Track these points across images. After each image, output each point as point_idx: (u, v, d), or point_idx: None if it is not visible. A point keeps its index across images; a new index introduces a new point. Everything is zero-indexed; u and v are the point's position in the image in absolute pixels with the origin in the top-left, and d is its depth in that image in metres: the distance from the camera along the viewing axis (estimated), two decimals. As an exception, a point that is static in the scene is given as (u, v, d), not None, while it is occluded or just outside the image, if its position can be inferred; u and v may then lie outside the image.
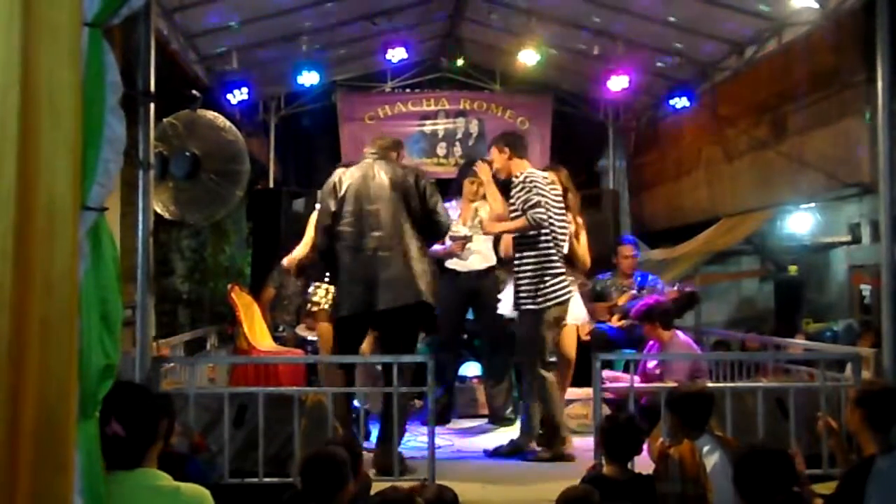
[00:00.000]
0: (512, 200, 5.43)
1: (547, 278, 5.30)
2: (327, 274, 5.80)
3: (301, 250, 6.49)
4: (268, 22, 7.34)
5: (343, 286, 5.16)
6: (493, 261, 6.63)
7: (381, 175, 5.16)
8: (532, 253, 5.33)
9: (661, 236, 9.99)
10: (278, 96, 9.56)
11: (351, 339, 5.28)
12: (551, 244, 5.35)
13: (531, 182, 5.32)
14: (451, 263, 6.58)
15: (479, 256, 6.57)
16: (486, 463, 5.44)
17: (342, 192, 5.15)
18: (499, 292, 6.92)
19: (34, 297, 2.11)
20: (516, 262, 5.43)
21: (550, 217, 5.32)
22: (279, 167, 9.99)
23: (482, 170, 5.94)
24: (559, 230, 5.41)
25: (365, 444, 4.72)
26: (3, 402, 2.04)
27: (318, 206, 5.40)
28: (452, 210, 6.63)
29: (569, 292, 5.42)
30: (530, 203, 5.26)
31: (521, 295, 5.36)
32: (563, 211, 5.52)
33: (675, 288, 7.27)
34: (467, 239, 6.45)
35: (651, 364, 5.94)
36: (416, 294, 5.05)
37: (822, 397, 4.64)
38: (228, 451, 4.46)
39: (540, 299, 5.30)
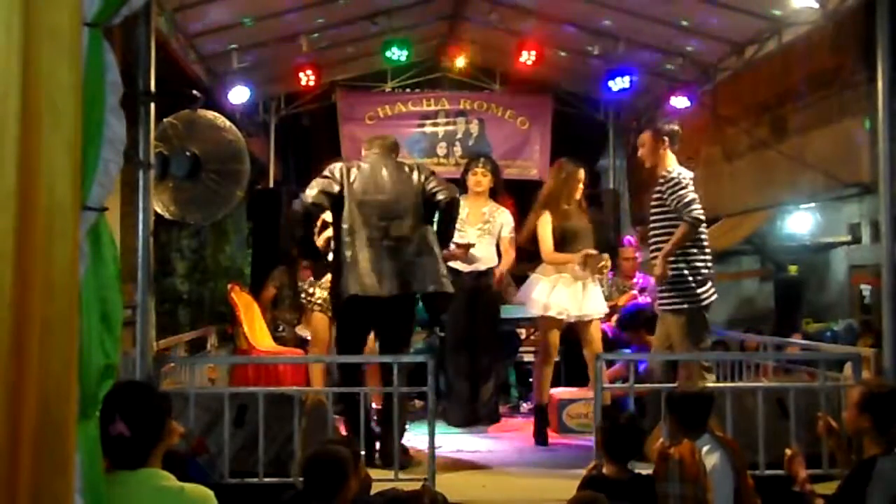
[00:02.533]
0: (661, 197, 5.25)
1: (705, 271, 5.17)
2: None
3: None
4: (268, 22, 7.34)
5: (360, 271, 5.09)
6: (494, 261, 6.67)
7: (391, 168, 5.28)
8: (695, 250, 5.14)
9: (661, 236, 9.98)
10: (278, 96, 9.56)
11: (360, 325, 5.29)
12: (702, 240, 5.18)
13: (685, 178, 5.16)
14: (453, 263, 6.61)
15: (482, 261, 6.60)
16: (486, 463, 5.44)
17: (351, 179, 5.19)
18: (500, 292, 6.95)
19: (34, 297, 2.11)
20: (680, 259, 5.15)
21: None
22: (279, 167, 9.99)
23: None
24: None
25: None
26: (3, 402, 2.04)
27: (313, 188, 5.24)
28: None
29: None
30: (686, 200, 5.06)
31: (688, 292, 5.15)
32: None
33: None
34: (470, 246, 6.49)
35: (641, 368, 5.93)
36: (442, 283, 5.16)
37: (822, 397, 4.64)
38: (228, 451, 4.46)
39: (703, 296, 5.16)
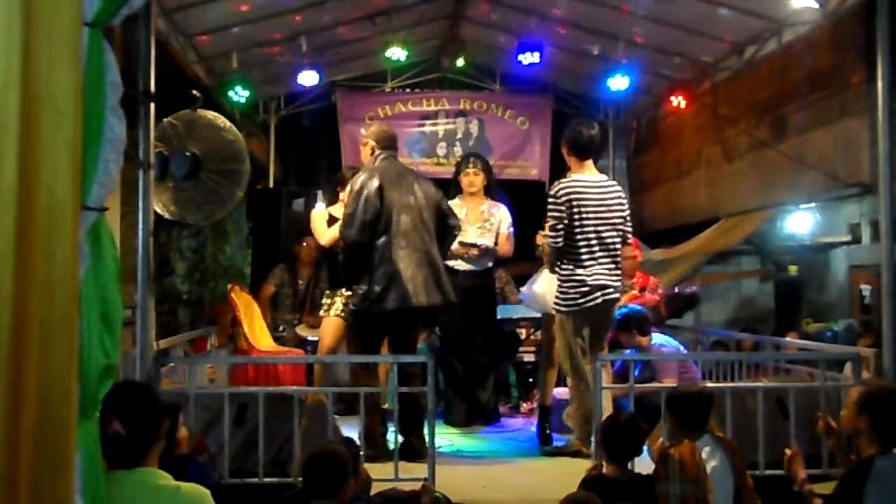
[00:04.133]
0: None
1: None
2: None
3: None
4: (268, 22, 7.34)
5: (395, 280, 5.14)
6: (491, 262, 6.69)
7: (411, 178, 5.43)
8: (568, 263, 5.26)
9: (661, 236, 9.99)
10: (278, 96, 9.56)
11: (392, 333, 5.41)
12: (582, 249, 5.23)
13: (560, 198, 5.19)
14: (451, 262, 6.60)
15: (483, 258, 6.63)
16: (486, 463, 5.44)
17: (385, 192, 5.20)
18: (497, 291, 6.96)
19: (34, 297, 2.11)
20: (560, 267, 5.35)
21: (583, 227, 5.19)
22: (279, 167, 9.99)
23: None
24: (603, 232, 5.26)
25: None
26: (3, 402, 2.04)
27: (351, 199, 5.22)
28: (457, 208, 6.67)
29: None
30: (549, 224, 5.24)
31: (560, 297, 5.34)
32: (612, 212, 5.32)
33: (676, 290, 7.23)
34: (476, 246, 6.50)
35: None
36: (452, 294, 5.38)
37: (822, 397, 4.64)
38: (228, 451, 4.46)
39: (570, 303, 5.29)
